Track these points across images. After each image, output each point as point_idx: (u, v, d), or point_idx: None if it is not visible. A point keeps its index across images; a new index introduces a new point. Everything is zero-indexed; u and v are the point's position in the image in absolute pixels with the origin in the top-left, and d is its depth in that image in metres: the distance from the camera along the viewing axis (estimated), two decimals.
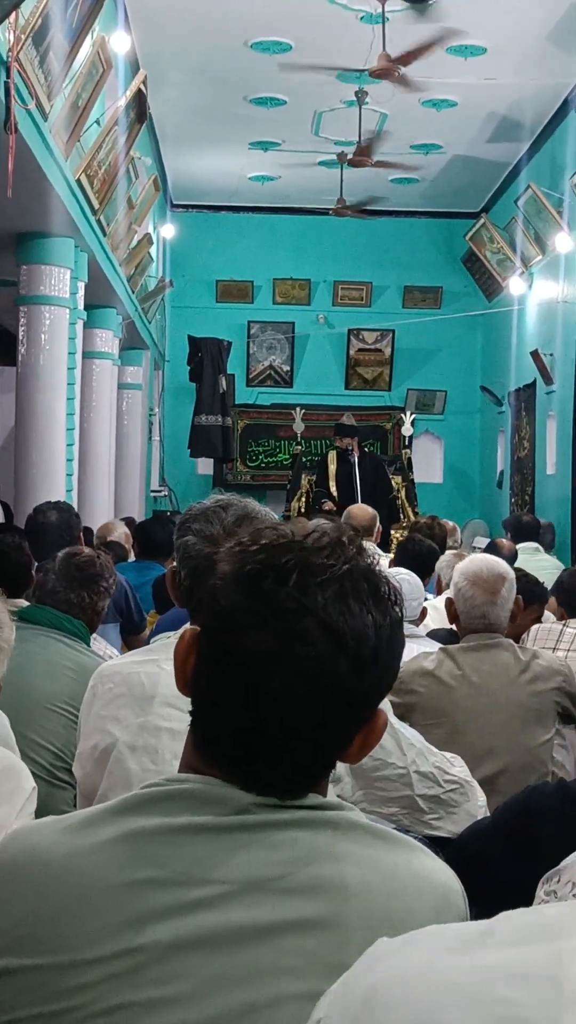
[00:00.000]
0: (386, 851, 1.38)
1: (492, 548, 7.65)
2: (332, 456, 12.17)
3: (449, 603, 3.91)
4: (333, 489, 11.92)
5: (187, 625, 1.78)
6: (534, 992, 0.86)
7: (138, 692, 2.37)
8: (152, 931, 1.29)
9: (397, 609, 1.40)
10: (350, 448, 11.88)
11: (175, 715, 2.26)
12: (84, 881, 1.32)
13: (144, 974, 1.28)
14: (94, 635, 4.16)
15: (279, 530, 1.43)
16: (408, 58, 9.34)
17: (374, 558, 1.42)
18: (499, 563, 3.91)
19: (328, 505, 11.42)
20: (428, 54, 9.63)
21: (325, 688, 1.34)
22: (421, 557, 6.16)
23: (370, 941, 1.11)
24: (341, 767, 2.46)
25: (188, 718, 1.49)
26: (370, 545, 1.60)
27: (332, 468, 12.06)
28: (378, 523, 7.68)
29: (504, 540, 8.80)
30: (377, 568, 1.42)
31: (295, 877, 1.32)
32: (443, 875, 1.40)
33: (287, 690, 1.34)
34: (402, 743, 2.78)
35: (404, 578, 5.36)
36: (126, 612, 5.94)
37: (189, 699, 1.51)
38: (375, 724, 1.43)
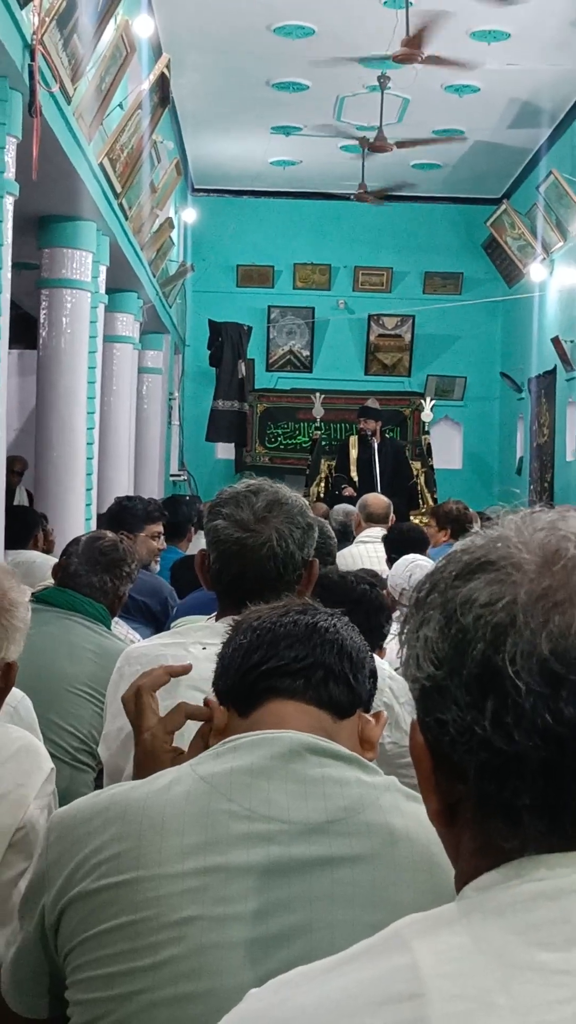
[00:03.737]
0: (423, 807, 1.49)
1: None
2: (353, 441, 12.21)
3: None
4: (353, 474, 11.95)
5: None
6: (400, 1017, 0.86)
7: None
8: (223, 854, 1.45)
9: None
10: (372, 432, 11.91)
11: (200, 699, 2.25)
12: (165, 810, 1.50)
13: (214, 891, 1.43)
14: (115, 618, 4.18)
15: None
16: (423, 35, 9.30)
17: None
18: None
19: (348, 491, 11.47)
20: (445, 27, 9.54)
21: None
22: (410, 538, 6.35)
23: (417, 880, 1.44)
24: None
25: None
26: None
27: (353, 454, 12.09)
28: (391, 512, 7.81)
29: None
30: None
31: (347, 822, 1.49)
32: None
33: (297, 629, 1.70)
34: None
35: (420, 564, 5.39)
36: (163, 625, 5.43)
37: (213, 684, 1.67)
38: (379, 718, 1.72)
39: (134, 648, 2.57)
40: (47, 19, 5.49)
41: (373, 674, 1.75)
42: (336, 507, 9.23)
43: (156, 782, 1.56)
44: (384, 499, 7.90)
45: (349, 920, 1.41)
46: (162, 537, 6.03)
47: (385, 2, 9.57)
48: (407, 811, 1.53)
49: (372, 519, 7.54)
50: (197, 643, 2.37)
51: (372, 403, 12.72)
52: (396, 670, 2.94)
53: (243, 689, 1.68)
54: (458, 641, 0.95)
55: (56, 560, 4.44)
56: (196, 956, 1.41)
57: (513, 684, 0.91)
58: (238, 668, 1.69)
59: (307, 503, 2.51)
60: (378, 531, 7.18)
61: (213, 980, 1.40)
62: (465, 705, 0.94)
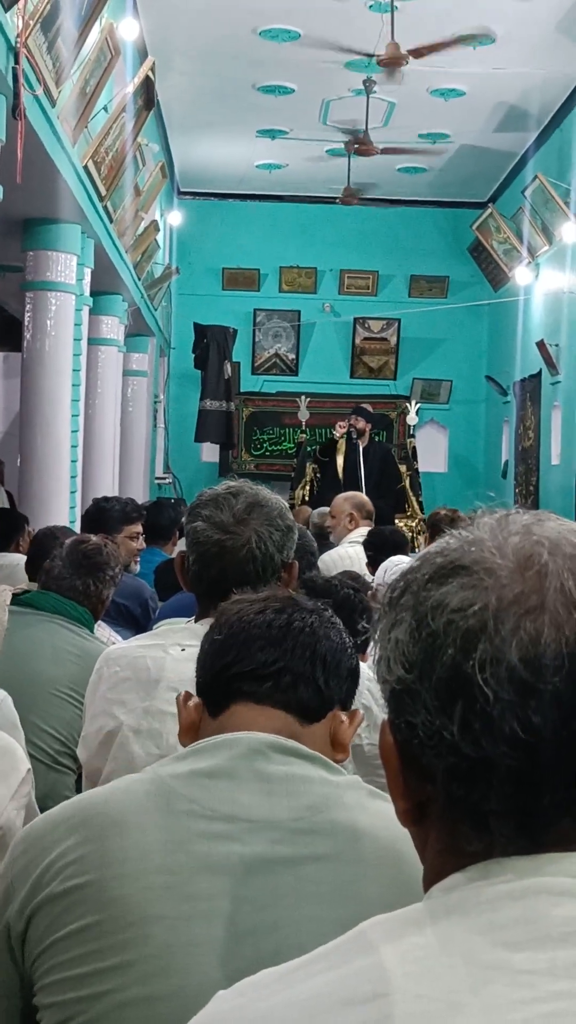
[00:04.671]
0: (388, 805, 1.56)
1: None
2: (341, 443, 12.19)
3: None
4: (340, 475, 11.93)
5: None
6: (365, 1017, 0.86)
7: (143, 676, 2.39)
8: (187, 852, 1.46)
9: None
10: (359, 433, 11.88)
11: None
12: (126, 810, 1.51)
13: (179, 889, 1.44)
14: (98, 622, 4.17)
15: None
16: (422, 52, 9.35)
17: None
18: None
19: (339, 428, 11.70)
20: (441, 51, 9.63)
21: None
22: (393, 541, 6.32)
23: (383, 876, 1.45)
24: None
25: None
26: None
27: (340, 458, 12.07)
28: (349, 511, 7.56)
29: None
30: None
31: (311, 820, 1.50)
32: None
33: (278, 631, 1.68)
34: None
35: (404, 567, 5.39)
36: (144, 628, 5.36)
37: (194, 683, 1.67)
38: (354, 717, 1.71)
39: (113, 649, 2.58)
40: (31, 22, 5.49)
41: (352, 673, 1.74)
42: (315, 511, 9.14)
43: (118, 784, 1.58)
44: (338, 503, 7.72)
45: (316, 917, 1.42)
46: (141, 538, 6.02)
47: (371, 6, 9.58)
48: (371, 808, 1.54)
49: (368, 516, 7.38)
50: (176, 644, 2.38)
51: (366, 406, 12.78)
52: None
53: (214, 689, 1.69)
54: (428, 646, 0.95)
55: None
56: (163, 955, 1.41)
57: (481, 691, 0.91)
58: (210, 667, 1.70)
59: (287, 505, 2.51)
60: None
61: (181, 979, 1.40)
62: (434, 709, 0.94)
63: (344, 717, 1.71)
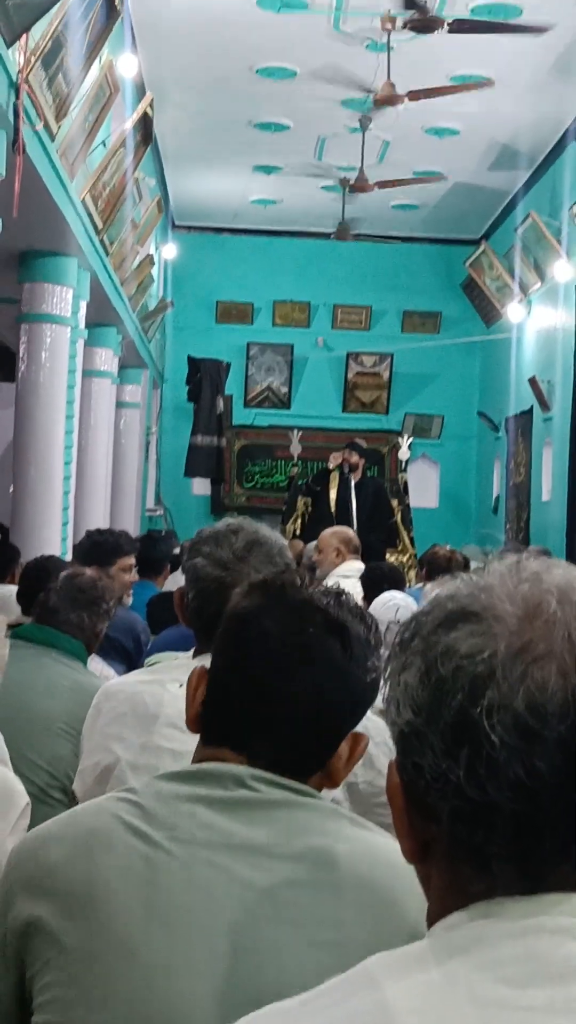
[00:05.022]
0: (368, 834, 1.58)
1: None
2: (334, 477, 12.19)
3: None
4: (332, 508, 11.93)
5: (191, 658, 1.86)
6: None
7: (141, 712, 2.40)
8: (165, 877, 1.46)
9: (375, 635, 1.68)
10: (351, 468, 11.87)
11: (177, 736, 2.28)
12: (111, 830, 1.52)
13: (158, 913, 1.45)
14: (91, 655, 4.18)
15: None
16: (418, 95, 9.43)
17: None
18: None
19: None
20: (438, 95, 9.72)
21: (321, 666, 1.60)
22: (392, 577, 6.33)
23: (360, 901, 1.46)
24: (339, 793, 2.49)
25: (191, 739, 1.67)
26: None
27: (332, 493, 12.06)
28: (336, 546, 7.56)
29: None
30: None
31: (289, 845, 1.50)
32: None
33: (291, 665, 1.59)
34: None
35: (399, 602, 5.41)
36: (136, 662, 5.35)
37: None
38: (358, 742, 1.66)
39: (112, 684, 2.59)
40: (33, 58, 5.55)
41: (360, 707, 1.70)
42: (308, 545, 9.16)
43: (104, 804, 1.59)
44: (324, 538, 7.72)
45: (293, 942, 1.43)
46: (134, 570, 6.02)
47: (367, 45, 9.66)
48: (351, 836, 1.54)
49: (355, 551, 7.40)
50: (175, 680, 2.39)
51: (360, 441, 12.78)
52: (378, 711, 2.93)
53: (212, 719, 1.67)
54: (437, 690, 0.97)
55: None
56: (143, 979, 1.43)
57: (488, 737, 0.93)
58: (217, 694, 1.67)
59: (286, 543, 2.54)
60: (358, 565, 7.09)
61: (161, 1003, 1.42)
62: (441, 753, 0.95)
63: (344, 747, 1.66)
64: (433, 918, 1.00)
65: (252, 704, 1.61)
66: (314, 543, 8.68)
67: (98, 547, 5.94)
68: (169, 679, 2.41)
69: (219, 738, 1.62)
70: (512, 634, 0.96)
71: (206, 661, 1.77)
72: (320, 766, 1.63)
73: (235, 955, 1.43)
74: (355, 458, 11.96)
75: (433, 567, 7.19)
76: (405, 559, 12.08)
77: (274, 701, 1.60)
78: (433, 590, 5.85)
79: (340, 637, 1.63)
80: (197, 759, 1.64)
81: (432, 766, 0.96)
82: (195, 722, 1.69)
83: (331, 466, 12.18)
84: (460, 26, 8.80)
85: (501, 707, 0.93)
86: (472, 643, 0.96)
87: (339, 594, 1.69)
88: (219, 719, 1.65)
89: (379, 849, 1.54)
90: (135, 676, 2.60)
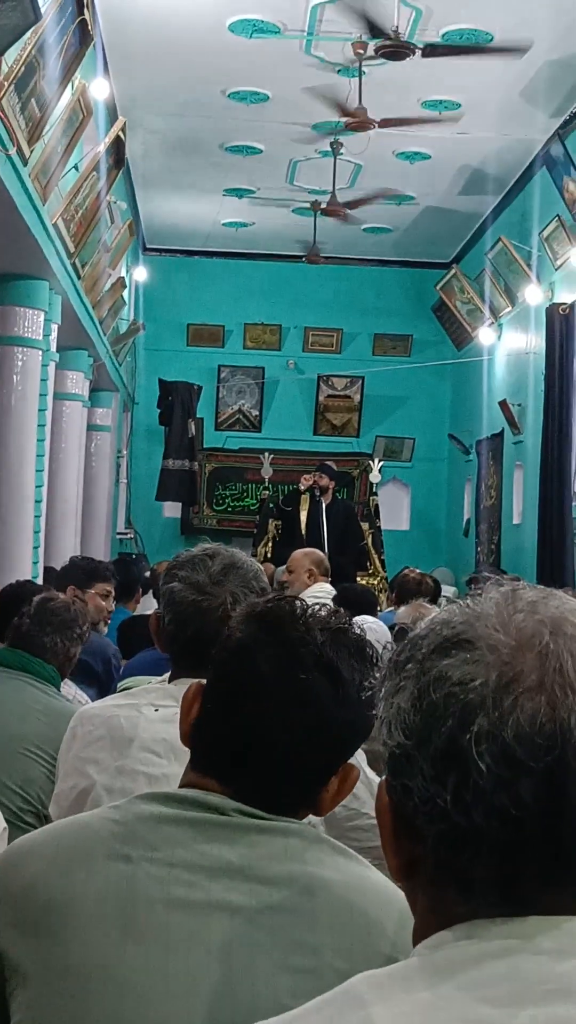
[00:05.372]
0: (346, 862, 1.58)
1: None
2: (304, 499, 12.17)
3: None
4: (303, 531, 11.91)
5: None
6: None
7: (117, 735, 2.39)
8: (143, 898, 1.47)
9: (376, 672, 1.63)
10: (322, 491, 11.87)
11: (153, 760, 2.29)
12: (82, 837, 1.53)
13: (134, 934, 1.45)
14: (64, 680, 4.17)
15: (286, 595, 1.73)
16: (388, 123, 9.51)
17: (362, 629, 1.72)
18: None
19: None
20: (407, 125, 9.80)
21: (312, 711, 1.59)
22: (364, 600, 6.33)
23: (336, 925, 1.46)
24: (314, 816, 2.48)
25: (166, 763, 1.67)
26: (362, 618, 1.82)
27: (303, 515, 12.04)
28: (308, 567, 7.56)
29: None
30: (365, 637, 1.71)
31: (268, 869, 1.50)
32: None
33: (281, 710, 1.58)
34: (375, 792, 2.78)
35: (371, 626, 5.41)
36: (106, 685, 5.41)
37: (166, 745, 1.66)
38: (348, 775, 1.65)
39: (87, 708, 2.59)
40: (5, 83, 5.55)
41: (350, 746, 1.68)
42: (277, 568, 9.16)
43: (89, 821, 1.59)
44: (296, 558, 7.71)
45: (269, 966, 1.43)
46: (111, 597, 6.03)
47: (339, 70, 9.72)
48: (330, 863, 1.54)
49: (325, 573, 7.38)
50: (150, 704, 2.38)
51: (331, 463, 12.79)
52: None
53: (201, 745, 1.66)
54: (428, 715, 0.97)
55: None
56: (118, 1000, 1.43)
57: (475, 764, 0.94)
58: (207, 723, 1.66)
59: (261, 568, 2.54)
60: (328, 588, 7.07)
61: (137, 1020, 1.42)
62: (429, 777, 0.96)
63: (334, 781, 1.65)
64: (418, 936, 1.01)
65: (241, 743, 1.60)
66: (280, 568, 8.67)
67: (79, 569, 5.97)
68: (144, 703, 2.40)
69: (206, 766, 1.62)
70: (504, 664, 0.97)
71: (183, 687, 1.77)
72: (307, 803, 1.63)
73: (210, 977, 1.42)
74: (325, 480, 11.95)
75: (403, 591, 7.20)
76: (376, 582, 12.09)
77: (264, 744, 1.59)
78: (410, 614, 5.86)
79: (332, 679, 1.62)
80: (184, 783, 1.64)
81: (421, 789, 0.97)
82: (187, 738, 1.68)
83: (302, 488, 12.17)
84: (433, 51, 8.86)
85: (490, 736, 0.94)
86: (465, 671, 0.97)
87: (338, 629, 1.67)
88: (208, 749, 1.64)
89: (358, 877, 1.54)
90: (111, 700, 2.60)
